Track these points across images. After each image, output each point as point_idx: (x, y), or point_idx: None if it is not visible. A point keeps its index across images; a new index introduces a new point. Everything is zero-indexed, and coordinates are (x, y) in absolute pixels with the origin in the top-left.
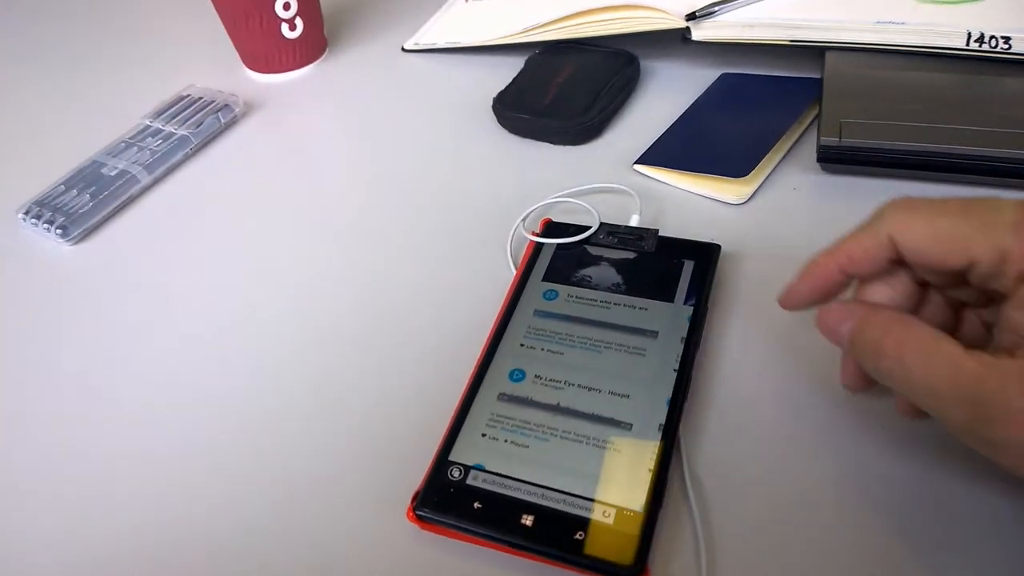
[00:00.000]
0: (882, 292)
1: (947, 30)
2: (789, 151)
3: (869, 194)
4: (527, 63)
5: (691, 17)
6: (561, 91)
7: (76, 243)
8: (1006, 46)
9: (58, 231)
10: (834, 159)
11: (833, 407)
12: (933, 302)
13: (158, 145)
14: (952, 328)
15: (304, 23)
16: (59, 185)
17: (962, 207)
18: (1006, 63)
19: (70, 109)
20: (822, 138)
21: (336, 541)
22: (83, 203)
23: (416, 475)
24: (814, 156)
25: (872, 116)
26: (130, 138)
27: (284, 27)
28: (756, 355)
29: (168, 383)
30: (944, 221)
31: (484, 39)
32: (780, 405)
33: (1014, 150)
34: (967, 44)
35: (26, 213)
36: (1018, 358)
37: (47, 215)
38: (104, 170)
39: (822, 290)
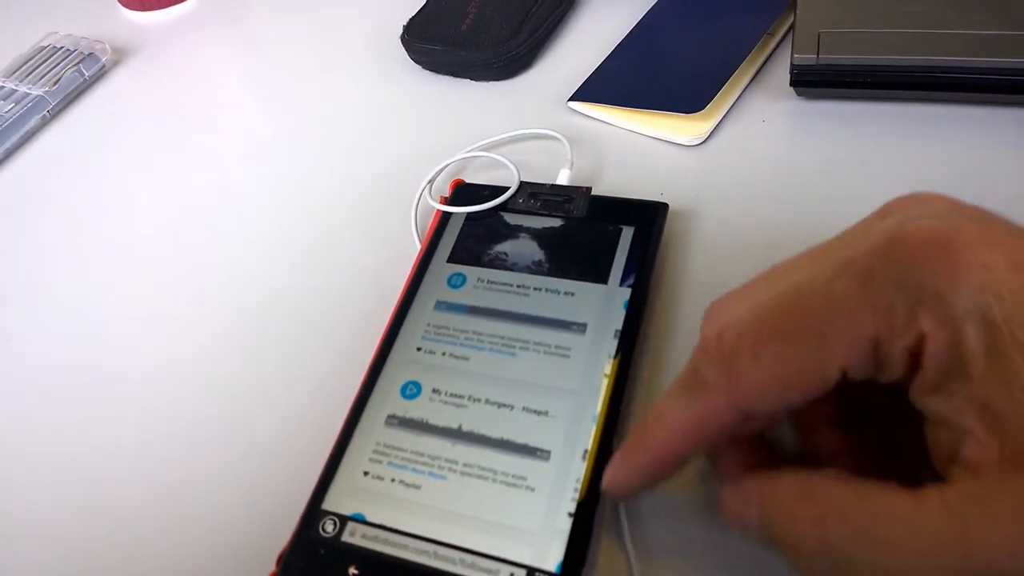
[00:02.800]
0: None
1: None
2: (756, 75)
3: (856, 121)
4: None
5: None
6: (481, 14)
7: None
8: None
9: None
10: (812, 81)
11: None
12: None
13: (9, 110)
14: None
15: None
16: None
17: (786, 317)
18: None
19: None
20: (796, 55)
21: None
22: None
23: (285, 530)
24: (786, 79)
25: (857, 24)
26: None
27: None
28: None
29: (18, 388)
30: (777, 356)
31: None
32: None
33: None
34: None
35: None
36: (980, 473)
37: None
38: None
39: (655, 476)
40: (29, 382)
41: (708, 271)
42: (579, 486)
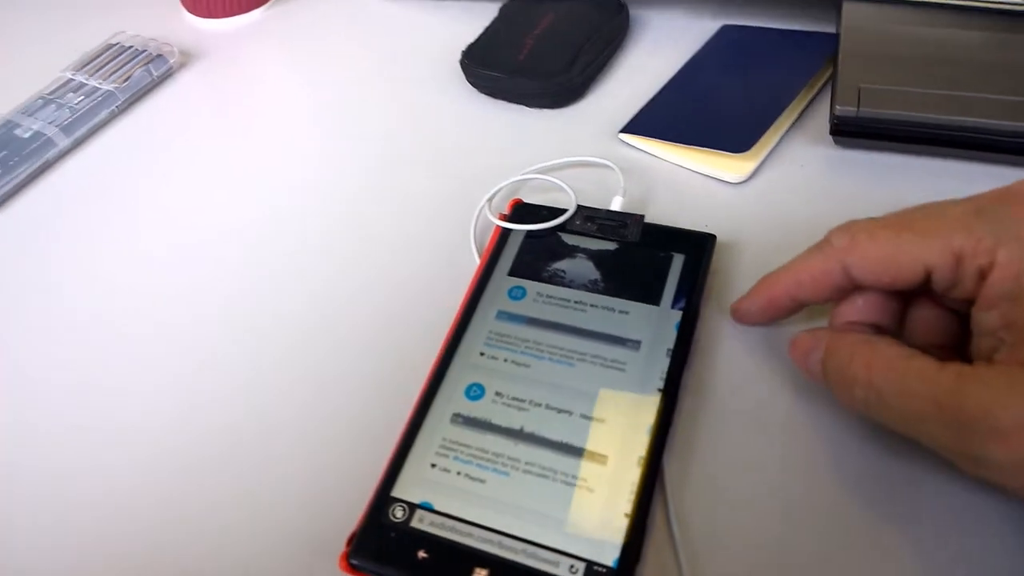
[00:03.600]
0: (856, 311)
1: None
2: (797, 120)
3: (889, 172)
4: (501, 11)
5: None
6: (538, 45)
7: None
8: None
9: None
10: (851, 132)
11: (845, 430)
12: (922, 315)
13: (79, 102)
14: (956, 337)
15: None
16: None
17: (906, 219)
18: None
19: None
20: (837, 107)
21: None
22: None
23: (353, 515)
24: (826, 127)
25: (896, 82)
26: (48, 94)
27: None
28: (755, 371)
29: (81, 381)
30: (889, 238)
31: None
32: (784, 433)
33: None
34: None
35: None
36: (997, 363)
37: None
38: (18, 131)
39: (772, 312)
40: (105, 372)
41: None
42: (634, 489)
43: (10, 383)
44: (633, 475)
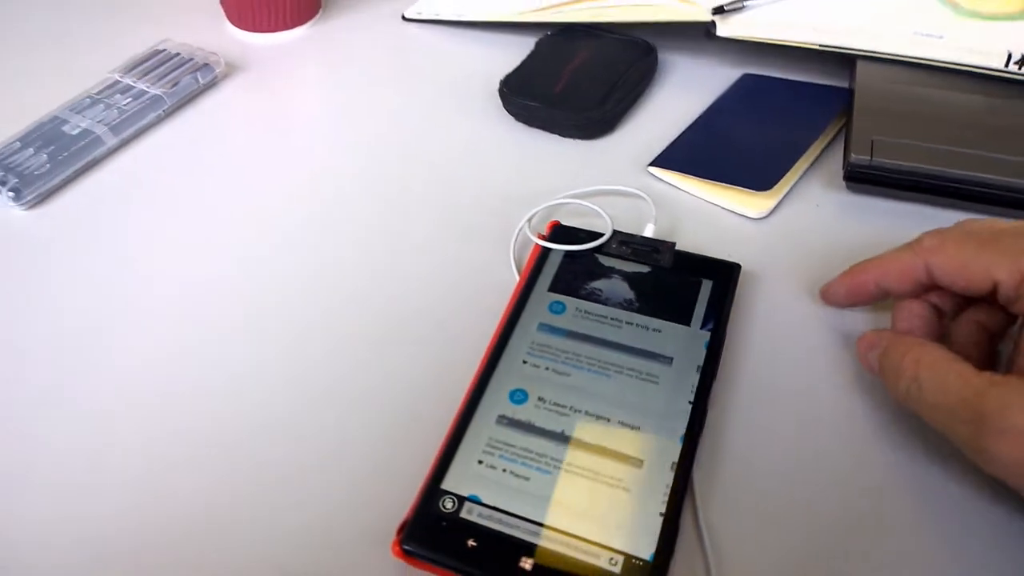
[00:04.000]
0: (917, 310)
1: (986, 49)
2: (812, 165)
3: (897, 218)
4: (538, 45)
5: (718, 11)
6: (574, 79)
7: (29, 207)
8: None
9: (10, 193)
10: (863, 178)
11: (862, 444)
12: (966, 327)
13: (127, 104)
14: (986, 351)
15: None
16: (14, 142)
17: (991, 235)
18: None
19: (29, 57)
20: (852, 155)
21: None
22: (39, 163)
23: (401, 506)
24: (838, 172)
25: (905, 135)
26: (96, 93)
27: None
28: (776, 388)
29: (125, 380)
30: (972, 248)
31: (494, 15)
32: (803, 445)
33: None
34: (1006, 65)
35: None
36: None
37: None
38: (66, 128)
39: (857, 296)
40: (150, 377)
41: (768, 325)
42: (668, 491)
43: (48, 373)
44: (667, 478)
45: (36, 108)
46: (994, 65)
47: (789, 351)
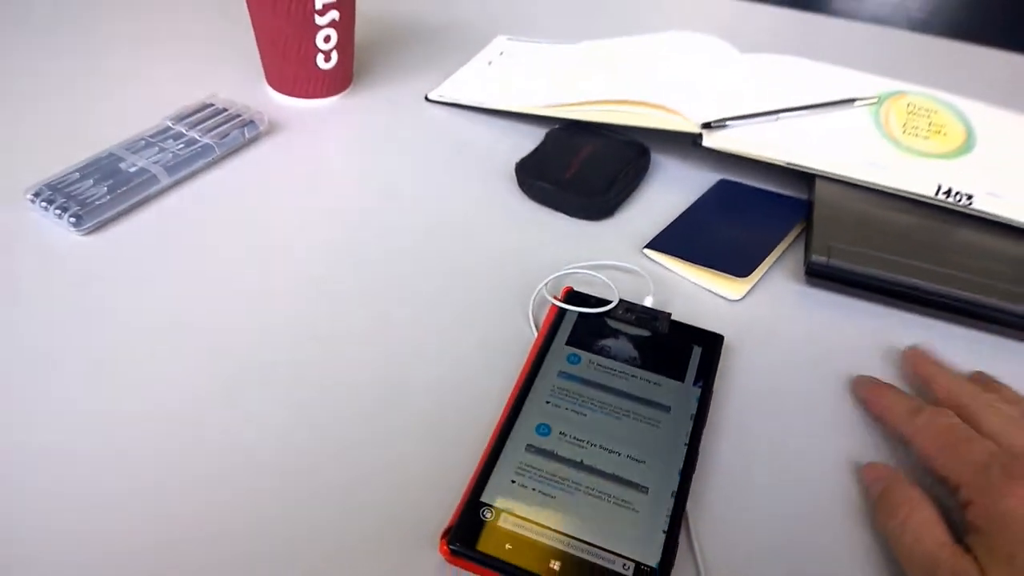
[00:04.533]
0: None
1: (920, 179)
2: (776, 261)
3: (847, 311)
4: (548, 136)
5: (706, 126)
6: (582, 168)
7: (87, 234)
8: (968, 202)
9: (71, 219)
10: (821, 275)
11: (825, 477)
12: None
13: (180, 149)
14: None
15: (339, 56)
16: (73, 172)
17: (966, 439)
18: (965, 216)
19: (89, 97)
20: (813, 256)
21: (365, 570)
22: (100, 194)
23: (442, 517)
24: (800, 269)
25: (856, 244)
26: (150, 137)
27: (320, 57)
28: (754, 435)
29: (172, 393)
30: (946, 446)
31: (510, 105)
32: (776, 482)
33: (968, 292)
34: (936, 194)
35: (36, 195)
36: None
37: (60, 201)
38: (122, 165)
39: (867, 406)
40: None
41: (746, 385)
42: (669, 513)
43: (84, 383)
44: (668, 504)
45: (90, 144)
46: (927, 193)
47: (763, 407)
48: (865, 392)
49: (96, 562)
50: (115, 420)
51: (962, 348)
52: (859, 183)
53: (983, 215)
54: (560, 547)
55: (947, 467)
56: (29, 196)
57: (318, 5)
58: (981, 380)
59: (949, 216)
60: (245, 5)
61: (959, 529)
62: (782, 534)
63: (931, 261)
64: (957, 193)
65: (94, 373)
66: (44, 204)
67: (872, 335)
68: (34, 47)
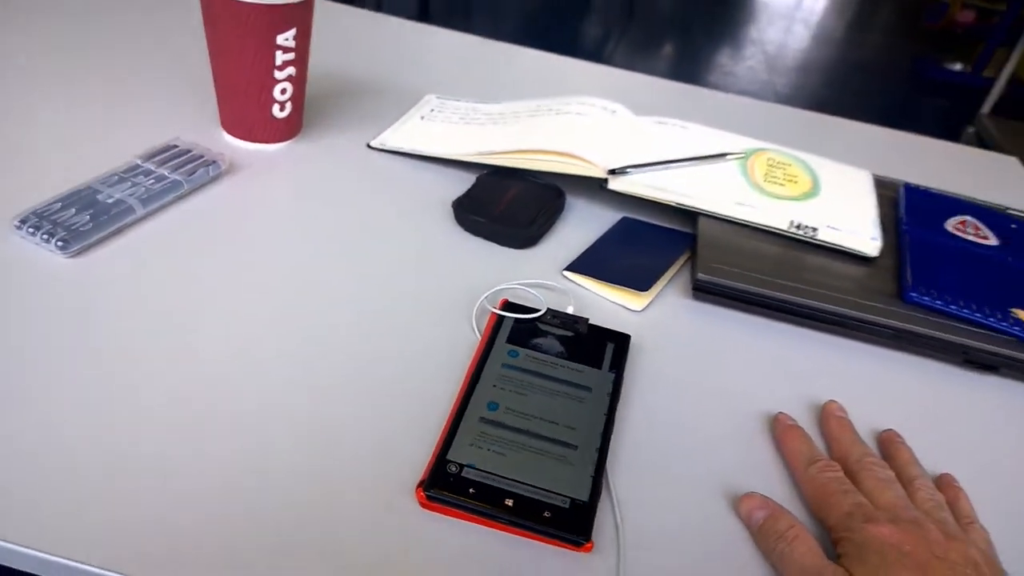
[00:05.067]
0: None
1: (778, 216)
2: (669, 281)
3: (726, 319)
4: (478, 179)
5: (611, 172)
6: (509, 206)
7: (72, 257)
8: (814, 233)
9: (59, 243)
10: (705, 290)
11: (712, 441)
12: None
13: (151, 184)
14: None
15: (292, 106)
16: (56, 202)
17: (838, 489)
18: (813, 245)
19: (64, 134)
20: (698, 275)
21: (355, 515)
22: (83, 222)
23: (411, 471)
24: (688, 286)
25: (731, 266)
26: (123, 172)
27: (275, 107)
28: (655, 408)
29: (166, 397)
30: (823, 493)
31: (444, 153)
32: (670, 440)
33: (818, 303)
34: (789, 227)
35: (22, 222)
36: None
37: (46, 227)
38: (100, 196)
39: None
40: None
41: (646, 375)
42: (594, 464)
43: (75, 389)
44: (593, 457)
45: (67, 178)
46: (783, 226)
47: (661, 388)
48: (779, 433)
49: None
50: (111, 417)
51: (814, 348)
52: (731, 219)
53: (826, 244)
54: (513, 489)
55: (822, 512)
56: (15, 223)
57: (278, 61)
58: (889, 439)
59: (801, 244)
60: (206, 56)
61: (831, 555)
62: (677, 474)
63: (789, 279)
64: (806, 227)
65: (88, 374)
66: (31, 230)
67: (743, 336)
68: (12, 91)
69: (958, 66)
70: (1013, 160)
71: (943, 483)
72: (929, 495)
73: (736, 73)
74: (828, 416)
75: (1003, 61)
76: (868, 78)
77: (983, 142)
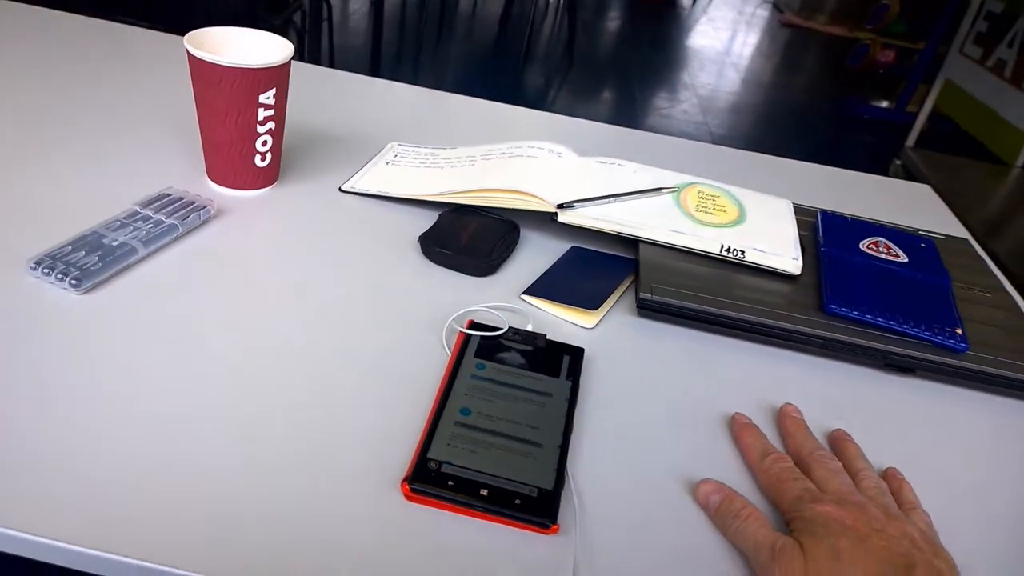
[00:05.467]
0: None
1: (710, 241)
2: (616, 302)
3: (667, 333)
4: (441, 216)
5: (560, 206)
6: (471, 239)
7: (84, 294)
8: (742, 256)
9: (72, 282)
10: (648, 308)
11: (652, 434)
12: None
13: (150, 228)
14: None
15: (271, 156)
16: (66, 246)
17: (790, 477)
18: (742, 265)
19: (70, 186)
20: (641, 294)
21: (348, 509)
22: (92, 262)
23: (398, 469)
24: (633, 305)
25: (671, 286)
26: (124, 218)
27: (257, 157)
28: (607, 410)
29: (175, 412)
30: (777, 484)
31: (409, 194)
32: (621, 438)
33: (750, 316)
34: (719, 251)
35: (37, 264)
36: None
37: (60, 267)
38: (105, 240)
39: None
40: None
41: (599, 382)
42: (557, 459)
43: (83, 415)
44: (556, 453)
45: (73, 224)
46: (714, 250)
47: (612, 394)
48: (736, 430)
49: None
50: (128, 423)
51: (747, 357)
52: (668, 245)
53: (753, 264)
54: (487, 482)
55: (775, 497)
56: (31, 264)
57: (260, 117)
58: (839, 437)
59: (732, 266)
60: (192, 111)
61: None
62: (628, 466)
63: (722, 295)
64: (735, 250)
65: (97, 393)
66: (46, 270)
67: (684, 347)
68: (23, 149)
69: (884, 103)
70: (927, 188)
71: (888, 475)
72: (874, 483)
73: (673, 115)
74: (784, 416)
75: (924, 96)
76: (797, 118)
77: (910, 174)
